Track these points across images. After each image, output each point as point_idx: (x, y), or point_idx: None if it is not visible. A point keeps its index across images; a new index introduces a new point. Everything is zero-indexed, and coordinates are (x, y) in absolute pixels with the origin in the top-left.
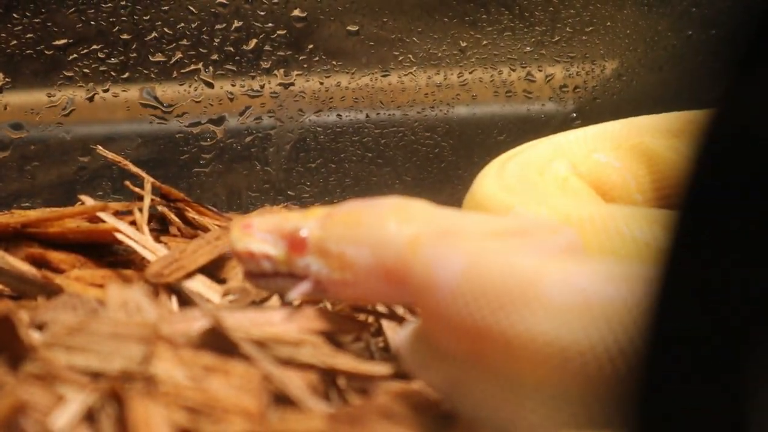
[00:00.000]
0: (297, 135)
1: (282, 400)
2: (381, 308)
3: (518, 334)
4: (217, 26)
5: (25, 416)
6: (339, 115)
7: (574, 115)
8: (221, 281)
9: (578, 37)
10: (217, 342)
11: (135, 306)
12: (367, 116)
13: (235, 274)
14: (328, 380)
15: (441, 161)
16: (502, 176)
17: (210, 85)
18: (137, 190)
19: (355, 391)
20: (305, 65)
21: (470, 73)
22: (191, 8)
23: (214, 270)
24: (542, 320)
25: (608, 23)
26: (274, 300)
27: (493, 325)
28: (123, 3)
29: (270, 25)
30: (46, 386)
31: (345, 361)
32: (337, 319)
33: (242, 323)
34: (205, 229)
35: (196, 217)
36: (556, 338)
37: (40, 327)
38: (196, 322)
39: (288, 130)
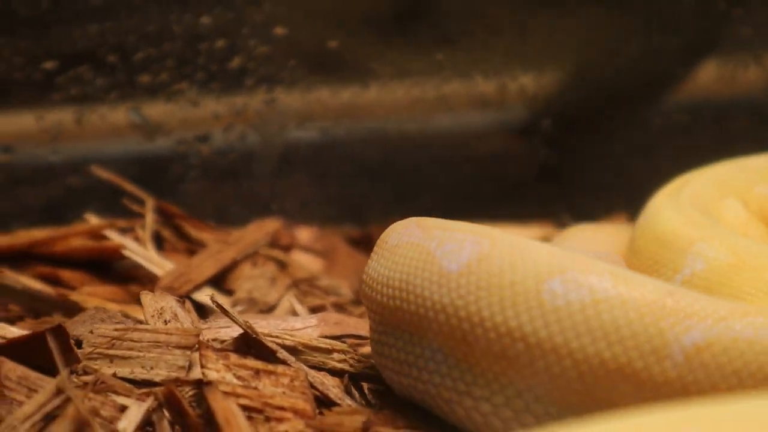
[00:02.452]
0: None
1: (320, 400)
2: None
3: None
4: None
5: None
6: None
7: None
8: (228, 292)
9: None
10: (250, 348)
11: (171, 314)
12: None
13: (240, 285)
14: (353, 383)
15: None
16: (682, 209)
17: None
18: (136, 207)
19: (373, 392)
20: None
21: None
22: None
23: (219, 282)
24: None
25: None
26: (281, 308)
27: None
28: None
29: None
30: (103, 395)
31: (371, 368)
32: (358, 323)
33: (271, 331)
34: (201, 244)
35: (193, 232)
36: None
37: (76, 341)
38: (227, 330)
39: None
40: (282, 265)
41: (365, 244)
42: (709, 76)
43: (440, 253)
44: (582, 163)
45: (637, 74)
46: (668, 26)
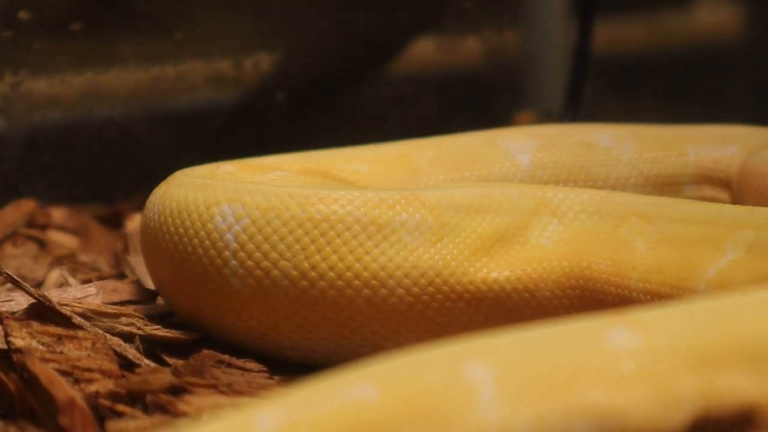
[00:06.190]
0: None
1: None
2: None
3: None
4: None
5: None
6: None
7: None
8: None
9: None
10: (42, 317)
11: None
12: None
13: (6, 264)
14: (144, 345)
15: None
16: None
17: None
18: None
19: (169, 354)
20: None
21: None
22: None
23: None
24: None
25: None
26: (50, 282)
27: None
28: None
29: None
30: None
31: (157, 329)
32: (131, 290)
33: (59, 300)
34: None
35: None
36: None
37: None
38: (11, 303)
39: None
40: (41, 244)
41: (114, 222)
42: (432, 48)
43: None
44: (316, 135)
45: (366, 47)
46: (395, 1)
